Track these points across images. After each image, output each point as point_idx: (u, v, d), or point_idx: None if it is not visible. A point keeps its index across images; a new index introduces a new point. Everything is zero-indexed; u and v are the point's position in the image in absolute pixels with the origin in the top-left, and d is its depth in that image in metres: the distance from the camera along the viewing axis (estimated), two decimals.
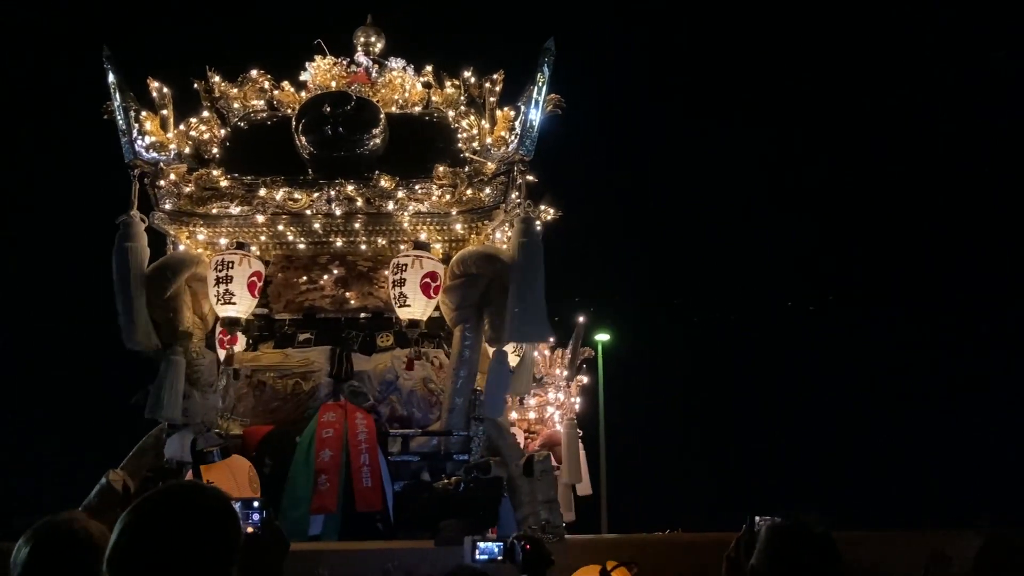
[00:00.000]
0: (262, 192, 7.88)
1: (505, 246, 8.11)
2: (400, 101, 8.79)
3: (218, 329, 8.34)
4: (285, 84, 8.78)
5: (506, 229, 8.21)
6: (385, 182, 7.82)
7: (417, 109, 8.78)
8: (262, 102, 8.70)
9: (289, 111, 8.52)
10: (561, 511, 13.38)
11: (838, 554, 2.69)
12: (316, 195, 7.87)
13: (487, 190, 7.86)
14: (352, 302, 8.26)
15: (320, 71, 8.96)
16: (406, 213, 7.88)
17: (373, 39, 9.42)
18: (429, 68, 8.86)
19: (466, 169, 7.92)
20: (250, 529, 4.42)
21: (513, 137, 7.75)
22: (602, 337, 19.63)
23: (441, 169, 7.83)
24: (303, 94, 8.74)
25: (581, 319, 14.58)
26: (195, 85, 8.48)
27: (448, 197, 7.85)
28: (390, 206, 7.86)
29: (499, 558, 5.37)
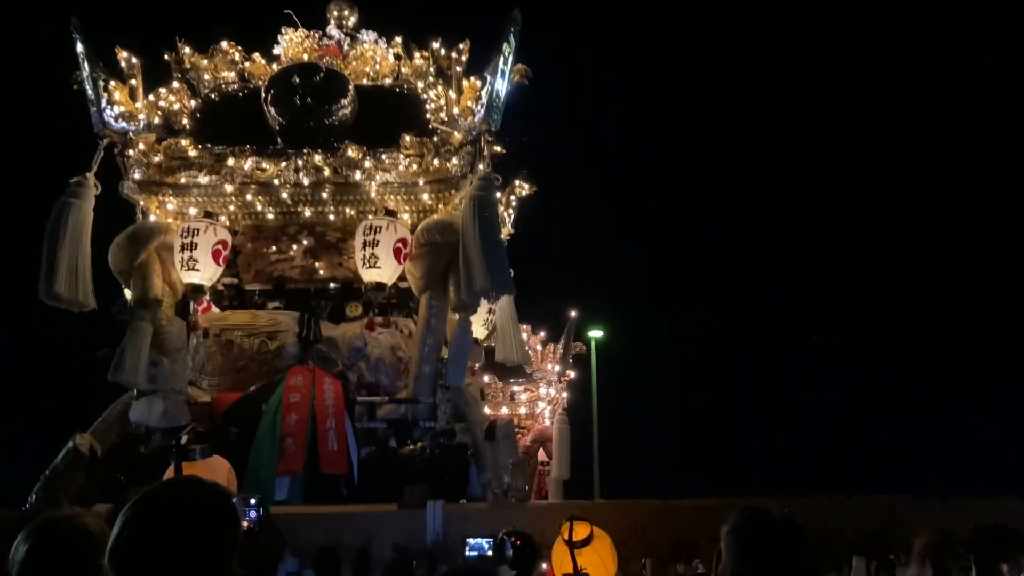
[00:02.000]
0: (230, 162, 7.92)
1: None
2: (371, 73, 8.81)
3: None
4: (256, 56, 8.80)
5: None
6: (352, 152, 7.87)
7: (388, 81, 8.81)
8: (232, 73, 8.72)
9: (260, 82, 8.54)
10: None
11: (802, 536, 2.70)
12: (284, 164, 7.92)
13: (454, 160, 7.90)
14: (321, 272, 8.31)
15: (293, 44, 8.99)
16: (373, 183, 7.93)
17: (346, 12, 9.42)
18: (398, 40, 8.88)
19: (433, 139, 7.96)
20: (246, 525, 4.45)
21: (480, 107, 7.79)
22: (595, 333, 19.64)
23: (408, 139, 7.87)
24: (275, 66, 8.77)
25: (573, 314, 14.60)
26: (165, 56, 8.50)
27: (415, 167, 7.90)
28: (357, 176, 7.91)
29: (488, 554, 5.43)
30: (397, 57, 8.84)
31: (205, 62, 8.61)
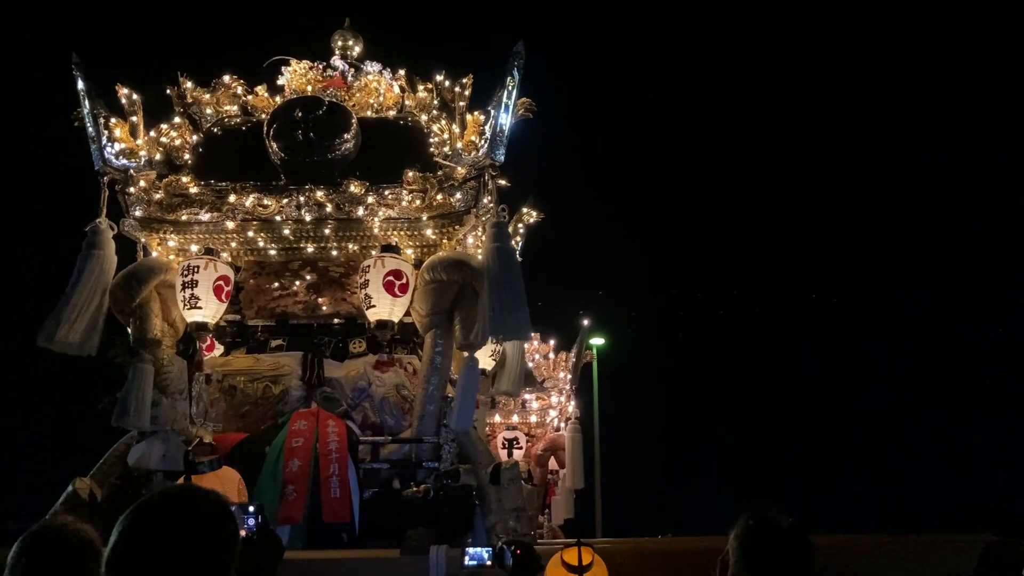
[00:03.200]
0: (232, 198, 7.84)
1: (477, 250, 8.06)
2: (375, 105, 8.73)
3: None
4: (259, 89, 8.73)
5: (479, 233, 8.15)
6: (354, 187, 7.77)
7: (391, 113, 8.72)
8: (235, 107, 8.65)
9: (263, 116, 8.46)
10: (562, 512, 13.51)
11: (809, 546, 2.68)
12: (285, 201, 7.83)
13: (457, 195, 7.79)
14: (324, 308, 8.21)
15: (296, 75, 8.93)
16: (376, 219, 7.82)
17: (351, 43, 9.37)
18: (402, 72, 8.79)
19: (437, 174, 7.86)
20: (244, 533, 4.38)
21: (483, 142, 7.68)
22: (596, 341, 19.51)
23: (411, 174, 7.77)
24: (278, 98, 8.70)
25: (585, 323, 14.49)
26: (167, 91, 8.43)
27: (418, 202, 7.79)
28: (360, 212, 7.81)
29: (488, 563, 5.33)
30: (402, 89, 8.75)
31: (207, 96, 8.53)
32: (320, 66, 9.02)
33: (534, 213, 10.31)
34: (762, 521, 2.66)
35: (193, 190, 7.86)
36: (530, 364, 14.08)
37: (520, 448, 13.38)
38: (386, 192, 7.82)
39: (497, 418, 13.75)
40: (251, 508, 4.46)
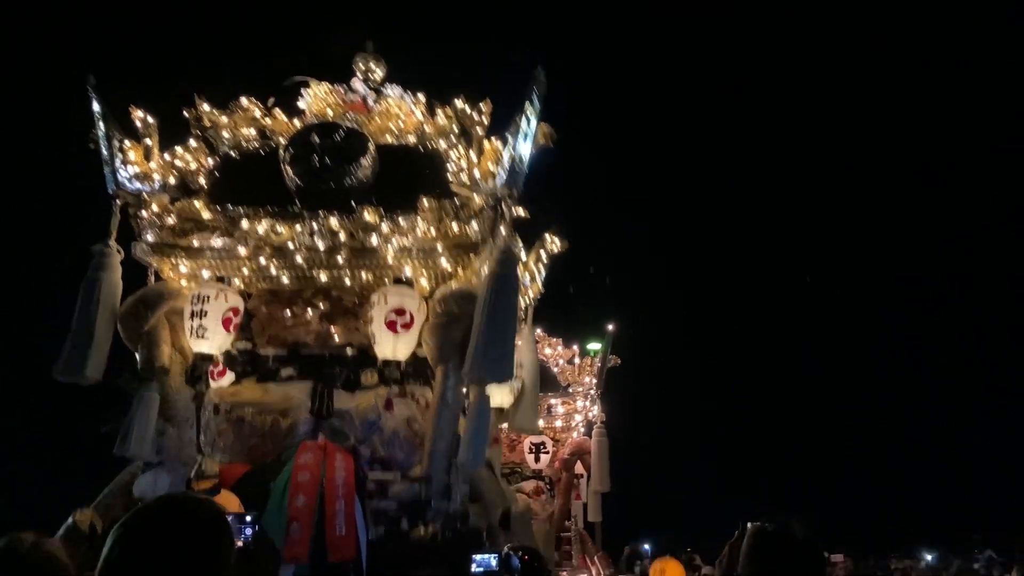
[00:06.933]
0: (244, 224, 7.68)
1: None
2: (395, 130, 8.53)
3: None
4: (277, 112, 8.57)
5: None
6: (369, 215, 7.57)
7: (411, 139, 8.51)
8: (252, 130, 8.49)
9: (281, 139, 8.30)
10: (588, 515, 13.29)
11: (822, 558, 2.66)
12: (299, 228, 7.65)
13: (474, 224, 7.56)
14: (337, 338, 8.01)
15: (316, 98, 8.78)
16: (390, 248, 7.61)
17: (372, 64, 9.18)
18: (422, 97, 8.59)
19: (454, 202, 7.63)
20: (241, 543, 4.21)
21: (500, 170, 7.44)
22: (594, 346, 19.21)
23: (426, 202, 7.55)
24: (297, 122, 8.54)
25: (610, 327, 14.29)
26: (184, 113, 8.31)
27: (433, 231, 7.57)
28: (374, 240, 7.60)
29: (495, 570, 5.17)
30: (422, 114, 8.54)
31: (224, 119, 8.38)
32: (341, 88, 8.85)
33: (558, 241, 9.99)
34: (776, 529, 2.63)
35: (206, 215, 7.72)
36: (555, 369, 13.92)
37: (547, 452, 13.38)
38: (401, 220, 7.61)
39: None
40: (248, 518, 4.38)
